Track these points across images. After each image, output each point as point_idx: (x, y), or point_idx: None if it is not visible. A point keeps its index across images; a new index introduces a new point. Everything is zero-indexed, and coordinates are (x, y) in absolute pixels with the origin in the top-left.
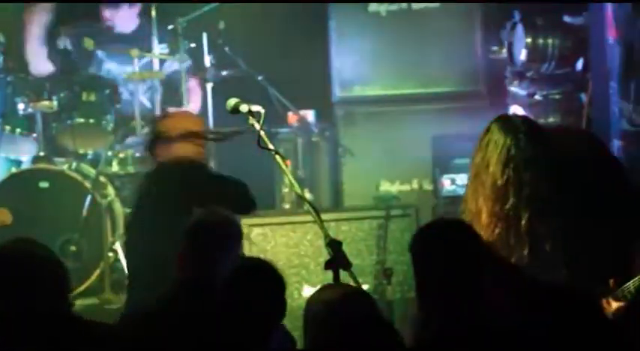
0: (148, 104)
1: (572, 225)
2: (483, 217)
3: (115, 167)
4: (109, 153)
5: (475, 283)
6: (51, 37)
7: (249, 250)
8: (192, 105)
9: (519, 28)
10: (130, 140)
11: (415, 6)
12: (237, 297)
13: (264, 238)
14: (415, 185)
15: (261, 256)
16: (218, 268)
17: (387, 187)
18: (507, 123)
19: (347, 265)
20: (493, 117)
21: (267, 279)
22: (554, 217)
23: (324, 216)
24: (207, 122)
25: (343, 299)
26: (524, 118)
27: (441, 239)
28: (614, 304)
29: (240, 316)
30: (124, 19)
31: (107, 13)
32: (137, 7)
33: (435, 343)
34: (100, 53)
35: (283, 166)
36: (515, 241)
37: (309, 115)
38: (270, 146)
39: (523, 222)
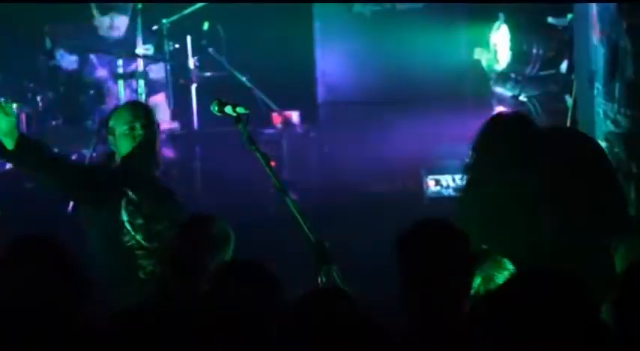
0: None
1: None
2: None
3: None
4: (93, 153)
5: (462, 282)
6: (37, 38)
7: None
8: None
9: (504, 29)
10: None
11: (400, 6)
12: (224, 297)
13: None
14: (400, 186)
15: None
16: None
17: (373, 187)
18: None
19: (331, 265)
20: (478, 118)
21: (257, 279)
22: None
23: None
24: (192, 123)
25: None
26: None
27: (429, 238)
28: None
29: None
30: (118, 26)
31: (107, 21)
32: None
33: (419, 341)
34: (84, 53)
35: (267, 167)
36: None
37: (294, 116)
38: (255, 147)
39: None
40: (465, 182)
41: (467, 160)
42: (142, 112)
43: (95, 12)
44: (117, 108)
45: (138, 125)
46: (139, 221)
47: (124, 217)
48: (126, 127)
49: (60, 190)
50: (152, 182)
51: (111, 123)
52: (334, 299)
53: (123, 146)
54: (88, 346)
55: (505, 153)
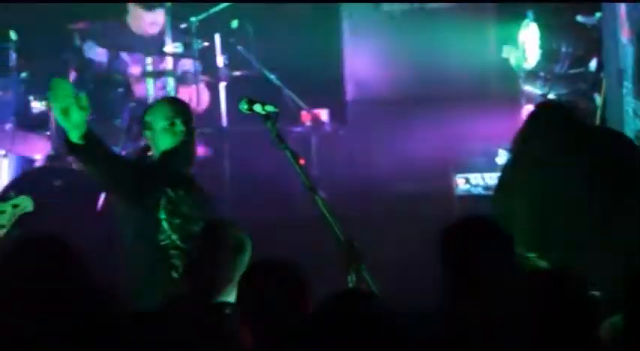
0: None
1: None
2: None
3: None
4: (122, 151)
5: (502, 278)
6: (66, 36)
7: None
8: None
9: (533, 27)
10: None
11: (429, 5)
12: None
13: None
14: (429, 185)
15: None
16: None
17: (402, 186)
18: None
19: (360, 264)
20: (506, 116)
21: (285, 278)
22: None
23: None
24: (221, 122)
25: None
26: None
27: (476, 235)
28: None
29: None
30: (159, 22)
31: (151, 17)
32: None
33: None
34: (113, 51)
35: (297, 165)
36: None
37: (323, 114)
38: (284, 145)
39: None
40: (505, 178)
41: (508, 152)
42: (182, 107)
43: (138, 9)
44: (155, 102)
45: (178, 121)
46: (177, 221)
47: (162, 215)
48: (166, 123)
49: (114, 186)
50: (190, 181)
51: (148, 118)
52: (360, 300)
53: (162, 142)
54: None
55: (556, 139)
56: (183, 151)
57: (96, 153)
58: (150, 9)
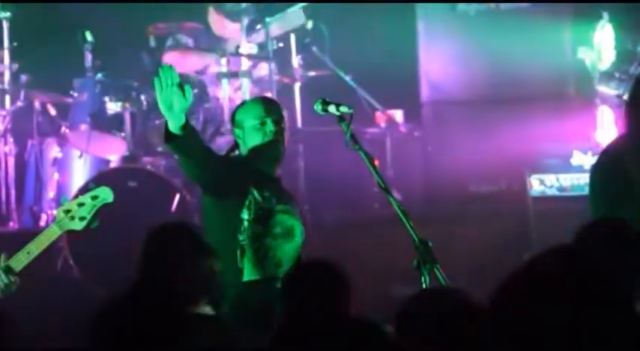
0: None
1: None
2: None
3: None
4: None
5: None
6: (142, 38)
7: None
8: None
9: (608, 28)
10: (220, 140)
11: (504, 6)
12: (293, 295)
13: None
14: (503, 186)
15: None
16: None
17: (477, 187)
18: None
19: (434, 264)
20: (581, 118)
21: (330, 279)
22: None
23: None
24: (296, 122)
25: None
26: None
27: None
28: None
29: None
30: (235, 30)
31: (230, 26)
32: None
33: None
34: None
35: (371, 166)
36: None
37: (398, 115)
38: (359, 146)
39: None
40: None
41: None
42: (274, 107)
43: (221, 16)
44: (247, 101)
45: (269, 120)
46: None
47: (245, 215)
48: (257, 122)
49: (203, 178)
50: (276, 182)
51: (239, 116)
52: (447, 295)
53: (251, 140)
54: None
55: None
56: (271, 150)
57: (191, 144)
58: (234, 19)
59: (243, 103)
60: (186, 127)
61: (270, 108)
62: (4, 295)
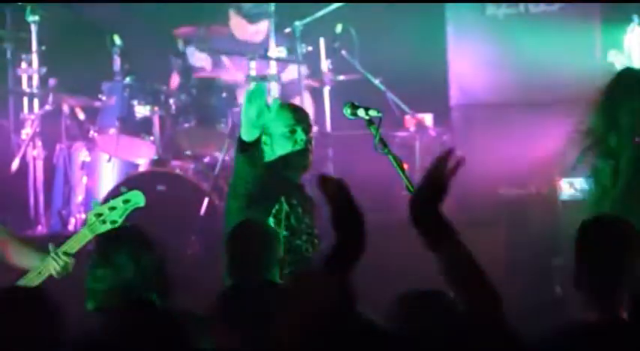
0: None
1: None
2: None
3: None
4: (226, 156)
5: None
6: (170, 41)
7: None
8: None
9: (638, 31)
10: None
11: (533, 9)
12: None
13: None
14: (533, 190)
15: None
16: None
17: (507, 190)
18: None
19: None
20: None
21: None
22: None
23: None
24: (325, 125)
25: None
26: None
27: (613, 233)
28: None
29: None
30: (263, 31)
31: (249, 28)
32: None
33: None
34: (216, 55)
35: (400, 170)
36: None
37: (427, 118)
38: (388, 150)
39: None
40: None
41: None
42: (303, 115)
43: (240, 18)
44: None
45: (299, 129)
46: (283, 233)
47: (273, 222)
48: (287, 130)
49: (252, 184)
50: (301, 189)
51: (267, 122)
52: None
53: (281, 148)
54: None
55: None
56: (301, 159)
57: (257, 153)
58: (252, 21)
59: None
60: (258, 138)
61: (300, 116)
62: (59, 277)
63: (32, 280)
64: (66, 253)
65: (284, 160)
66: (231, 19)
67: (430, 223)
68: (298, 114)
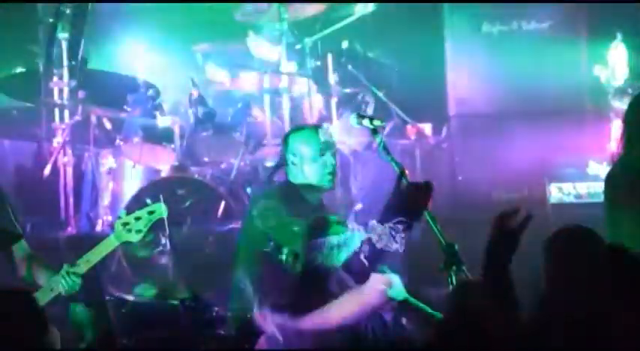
0: (279, 122)
1: None
2: None
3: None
4: (241, 163)
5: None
6: (189, 56)
7: None
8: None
9: (621, 47)
10: (260, 151)
11: (525, 26)
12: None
13: None
14: (525, 193)
15: None
16: None
17: (500, 194)
18: None
19: (460, 265)
20: (596, 130)
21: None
22: None
23: None
24: (332, 135)
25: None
26: None
27: (581, 243)
28: None
29: None
30: (274, 51)
31: (270, 49)
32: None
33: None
34: (233, 69)
35: (402, 175)
36: None
37: (427, 128)
38: (391, 157)
39: None
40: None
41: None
42: (332, 140)
43: (262, 40)
44: (303, 128)
45: (329, 153)
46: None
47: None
48: (317, 153)
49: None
50: (318, 209)
51: (296, 143)
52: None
53: (310, 169)
54: None
55: None
56: (326, 183)
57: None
58: (276, 43)
59: (299, 128)
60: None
61: (330, 141)
62: (67, 294)
63: (44, 296)
64: (75, 274)
65: (310, 184)
66: (250, 38)
67: (502, 274)
68: (328, 138)
